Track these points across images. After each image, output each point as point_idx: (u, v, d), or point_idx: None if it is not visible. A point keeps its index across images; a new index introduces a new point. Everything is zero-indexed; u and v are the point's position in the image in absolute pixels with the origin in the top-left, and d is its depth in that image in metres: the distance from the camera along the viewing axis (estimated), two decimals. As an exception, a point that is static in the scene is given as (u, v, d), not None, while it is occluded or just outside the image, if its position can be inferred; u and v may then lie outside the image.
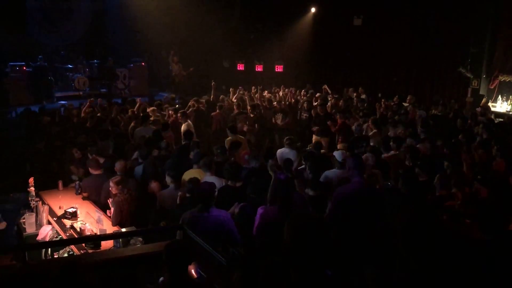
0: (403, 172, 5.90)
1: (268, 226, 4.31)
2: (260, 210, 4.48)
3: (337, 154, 6.30)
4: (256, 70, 17.67)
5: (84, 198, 6.37)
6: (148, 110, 10.17)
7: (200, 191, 4.65)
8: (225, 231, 4.50)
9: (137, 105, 10.79)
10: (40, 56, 15.06)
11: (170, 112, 10.21)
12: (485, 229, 3.80)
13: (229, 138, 8.27)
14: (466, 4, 13.13)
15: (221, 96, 12.75)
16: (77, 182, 6.62)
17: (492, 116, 10.95)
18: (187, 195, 5.33)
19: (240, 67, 17.96)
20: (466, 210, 4.93)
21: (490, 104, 12.54)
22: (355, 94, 13.11)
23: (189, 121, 9.49)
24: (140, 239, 4.93)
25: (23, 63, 14.87)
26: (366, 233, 4.33)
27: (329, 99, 12.36)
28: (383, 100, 11.98)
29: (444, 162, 6.15)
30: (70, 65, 16.48)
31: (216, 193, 4.76)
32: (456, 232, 4.51)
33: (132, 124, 9.24)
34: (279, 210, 4.31)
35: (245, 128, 9.74)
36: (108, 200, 5.74)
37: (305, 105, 11.19)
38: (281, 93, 13.38)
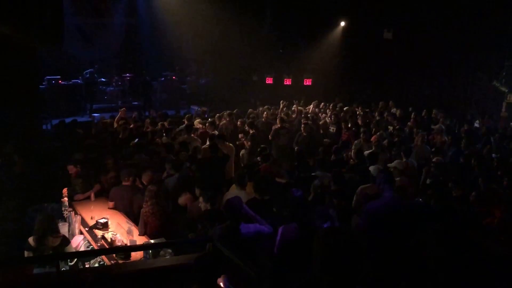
0: (435, 187, 5.78)
1: (288, 244, 4.26)
2: (280, 230, 4.41)
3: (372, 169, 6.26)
4: (285, 83, 17.71)
5: (109, 208, 6.47)
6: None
7: (227, 208, 4.59)
8: (254, 245, 4.44)
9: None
10: (91, 70, 15.64)
11: (199, 125, 10.32)
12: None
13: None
14: (500, 16, 12.87)
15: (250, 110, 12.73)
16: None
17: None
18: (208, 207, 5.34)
19: (269, 80, 18.05)
20: (504, 228, 4.78)
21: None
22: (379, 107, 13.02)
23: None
24: (170, 250, 4.97)
25: (59, 76, 15.41)
26: (398, 248, 4.25)
27: (358, 112, 12.30)
28: (413, 114, 11.80)
29: (479, 178, 6.01)
30: (103, 78, 16.92)
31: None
32: (492, 250, 4.37)
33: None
34: (298, 227, 4.27)
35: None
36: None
37: (330, 118, 11.16)
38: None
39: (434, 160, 7.29)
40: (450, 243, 4.02)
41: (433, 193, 5.41)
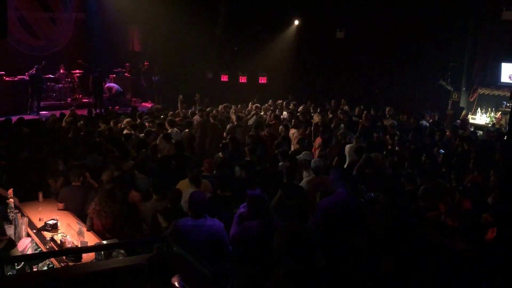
0: (386, 183, 5.97)
1: (248, 240, 4.29)
2: (241, 209, 4.56)
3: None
4: (240, 81, 17.74)
5: (59, 209, 6.26)
6: (125, 121, 10.12)
7: (192, 200, 4.59)
8: (218, 240, 4.47)
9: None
10: (37, 66, 14.95)
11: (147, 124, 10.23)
12: (468, 240, 3.86)
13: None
14: (446, 17, 13.43)
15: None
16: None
17: (472, 129, 11.18)
18: (169, 205, 5.30)
19: (224, 78, 18.01)
20: (448, 221, 4.99)
21: (469, 116, 12.78)
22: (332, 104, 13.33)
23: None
24: (123, 251, 4.86)
25: (3, 72, 14.73)
26: (350, 244, 4.35)
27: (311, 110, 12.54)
28: (365, 112, 12.12)
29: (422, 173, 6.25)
30: (52, 75, 16.33)
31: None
32: (437, 242, 4.56)
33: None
34: (261, 224, 4.29)
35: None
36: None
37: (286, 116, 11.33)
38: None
39: (372, 155, 7.45)
40: (398, 235, 4.18)
41: (384, 188, 5.59)
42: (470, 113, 13.06)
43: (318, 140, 8.95)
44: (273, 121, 11.00)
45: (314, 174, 6.62)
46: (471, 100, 13.42)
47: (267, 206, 4.52)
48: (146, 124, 10.28)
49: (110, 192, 5.73)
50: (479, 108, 13.02)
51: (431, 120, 11.37)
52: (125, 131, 9.63)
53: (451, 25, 13.44)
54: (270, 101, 14.12)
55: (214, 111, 11.96)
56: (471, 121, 12.43)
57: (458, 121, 11.45)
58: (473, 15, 13.22)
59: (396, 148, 8.67)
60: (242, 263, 4.32)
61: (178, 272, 3.31)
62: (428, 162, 7.21)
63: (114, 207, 5.68)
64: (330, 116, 11.79)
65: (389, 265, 3.74)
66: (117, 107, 15.49)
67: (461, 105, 13.51)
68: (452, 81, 13.59)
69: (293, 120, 10.72)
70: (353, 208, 4.67)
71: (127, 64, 17.84)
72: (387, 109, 12.23)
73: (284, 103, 13.82)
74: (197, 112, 11.19)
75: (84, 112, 12.59)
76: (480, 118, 12.80)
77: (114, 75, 17.04)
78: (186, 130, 9.67)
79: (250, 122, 11.19)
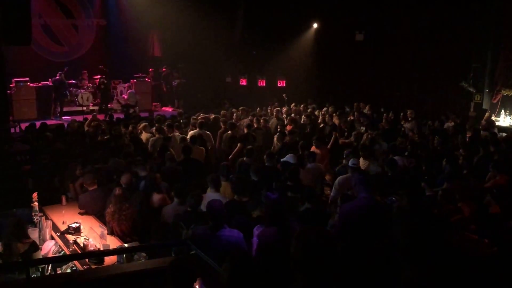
0: (407, 187, 5.88)
1: (267, 248, 4.19)
2: (256, 231, 4.34)
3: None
4: (259, 85, 17.75)
5: (80, 214, 6.34)
6: (140, 126, 10.21)
7: (211, 209, 4.53)
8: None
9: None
10: (60, 72, 15.31)
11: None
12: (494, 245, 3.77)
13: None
14: (468, 18, 13.23)
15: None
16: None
17: (496, 130, 10.96)
18: (189, 209, 5.32)
19: (243, 82, 18.05)
20: (473, 226, 4.89)
21: (493, 118, 12.54)
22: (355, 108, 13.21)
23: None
24: (144, 254, 4.90)
25: (27, 78, 15.04)
26: (373, 249, 4.29)
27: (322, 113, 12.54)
28: (385, 114, 12.00)
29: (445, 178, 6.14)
30: (74, 80, 16.60)
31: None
32: (462, 248, 4.48)
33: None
34: (278, 231, 4.19)
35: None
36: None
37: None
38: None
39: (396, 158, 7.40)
40: (422, 241, 4.09)
41: (405, 193, 5.50)
42: (493, 115, 12.82)
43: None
44: (291, 126, 10.95)
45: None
46: (494, 101, 13.17)
47: (284, 212, 4.42)
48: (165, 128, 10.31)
49: (121, 197, 5.79)
50: (502, 110, 12.77)
51: (452, 123, 11.20)
52: (144, 135, 9.71)
53: (473, 25, 13.22)
54: (293, 104, 14.09)
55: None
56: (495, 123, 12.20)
57: (483, 122, 11.22)
58: (495, 15, 12.98)
59: (418, 151, 8.55)
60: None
61: (200, 276, 3.32)
62: (450, 165, 7.08)
63: (130, 211, 5.75)
64: (352, 118, 11.73)
65: (411, 271, 3.65)
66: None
67: (484, 107, 13.27)
68: (474, 83, 13.35)
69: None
70: (377, 213, 4.60)
71: (150, 69, 18.02)
72: (408, 112, 12.09)
73: (301, 106, 13.77)
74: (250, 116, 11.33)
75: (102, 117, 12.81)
76: (504, 120, 12.55)
77: (135, 80, 17.23)
78: (229, 132, 9.74)
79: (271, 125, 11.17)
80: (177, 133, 9.55)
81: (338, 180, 6.66)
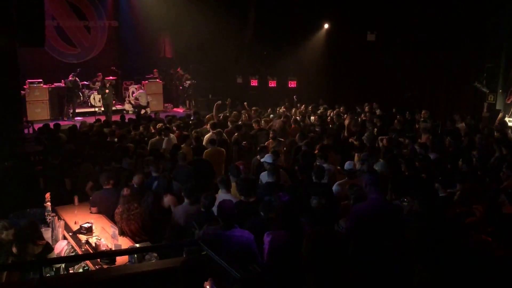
0: (420, 188, 5.82)
1: (279, 252, 4.11)
2: (267, 238, 4.21)
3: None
4: (270, 86, 17.75)
5: (92, 213, 6.39)
6: (158, 126, 10.24)
7: (221, 210, 4.53)
8: (247, 251, 4.36)
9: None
10: (73, 73, 15.48)
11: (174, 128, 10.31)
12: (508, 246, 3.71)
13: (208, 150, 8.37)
14: (482, 18, 13.08)
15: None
16: None
17: (510, 131, 10.81)
18: (202, 209, 5.33)
19: (254, 83, 18.06)
20: (486, 227, 4.83)
21: (507, 119, 12.38)
22: (366, 109, 13.11)
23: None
24: (155, 254, 4.92)
25: (41, 80, 15.21)
26: (384, 251, 4.26)
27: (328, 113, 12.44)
28: (398, 115, 11.90)
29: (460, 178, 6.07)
30: (86, 82, 16.75)
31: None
32: (478, 249, 4.42)
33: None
34: (290, 234, 4.12)
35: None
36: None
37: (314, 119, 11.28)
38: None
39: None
40: (434, 243, 4.04)
41: (417, 194, 5.43)
42: (507, 115, 12.65)
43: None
44: (293, 126, 10.88)
45: (348, 177, 6.53)
46: (508, 102, 13.00)
47: (296, 214, 4.37)
48: (174, 128, 10.35)
49: (130, 197, 5.82)
50: (517, 111, 12.62)
51: (463, 124, 11.05)
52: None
53: (486, 24, 13.08)
54: (303, 106, 14.06)
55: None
56: (509, 124, 12.03)
57: (497, 123, 11.09)
58: (509, 14, 12.81)
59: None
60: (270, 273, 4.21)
61: (210, 276, 3.33)
62: (464, 166, 7.00)
63: (139, 210, 5.78)
64: (364, 119, 11.66)
65: (424, 273, 3.62)
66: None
67: (498, 107, 13.10)
68: (488, 83, 13.19)
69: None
70: (388, 214, 4.56)
71: (154, 69, 18.12)
72: (422, 112, 11.97)
73: (311, 107, 13.73)
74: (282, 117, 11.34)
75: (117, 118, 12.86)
76: (518, 120, 12.40)
77: (147, 81, 17.33)
78: (236, 134, 9.72)
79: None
80: (172, 135, 9.53)
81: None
